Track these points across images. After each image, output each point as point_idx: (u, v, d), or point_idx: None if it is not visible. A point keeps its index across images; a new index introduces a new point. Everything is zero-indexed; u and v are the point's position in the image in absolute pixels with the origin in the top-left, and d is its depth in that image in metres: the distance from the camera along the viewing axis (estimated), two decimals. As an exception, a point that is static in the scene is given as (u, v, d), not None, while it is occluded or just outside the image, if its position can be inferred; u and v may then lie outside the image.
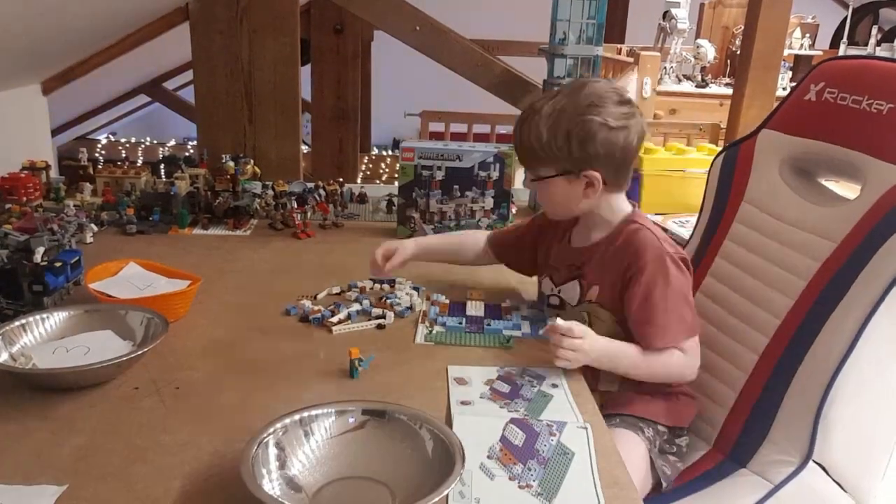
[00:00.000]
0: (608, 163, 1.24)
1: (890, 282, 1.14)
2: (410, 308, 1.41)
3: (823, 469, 1.23)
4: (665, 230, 1.36)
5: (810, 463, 1.21)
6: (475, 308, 1.43)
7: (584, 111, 1.21)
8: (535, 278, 1.50)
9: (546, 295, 1.42)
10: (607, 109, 1.21)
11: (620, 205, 1.31)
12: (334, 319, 1.33)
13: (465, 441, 0.90)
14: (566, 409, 1.09)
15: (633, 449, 1.22)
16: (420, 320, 1.36)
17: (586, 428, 1.04)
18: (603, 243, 1.30)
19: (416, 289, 1.50)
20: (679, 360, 1.24)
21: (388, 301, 1.42)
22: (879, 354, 1.19)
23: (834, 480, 1.23)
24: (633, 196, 2.17)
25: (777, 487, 1.21)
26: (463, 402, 1.09)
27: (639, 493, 0.97)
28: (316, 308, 1.36)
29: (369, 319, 1.36)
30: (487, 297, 1.48)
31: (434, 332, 1.31)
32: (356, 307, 1.39)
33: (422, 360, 1.23)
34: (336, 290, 1.49)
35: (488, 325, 1.35)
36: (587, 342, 1.18)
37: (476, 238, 1.56)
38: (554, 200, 1.31)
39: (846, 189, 1.34)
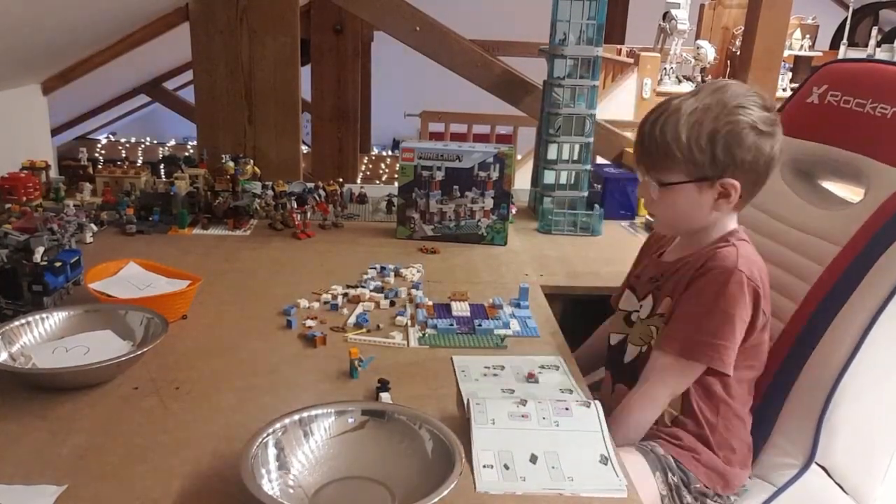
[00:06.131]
0: (751, 172, 1.12)
1: (894, 286, 1.14)
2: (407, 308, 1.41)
3: (826, 471, 1.23)
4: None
5: (813, 465, 1.21)
6: (461, 308, 1.42)
7: (732, 111, 1.09)
8: (519, 274, 1.40)
9: (626, 312, 1.29)
10: (756, 112, 1.11)
11: (729, 223, 1.19)
12: (349, 323, 1.33)
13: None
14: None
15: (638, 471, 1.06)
16: (410, 324, 1.35)
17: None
18: (690, 259, 1.18)
19: (415, 287, 1.50)
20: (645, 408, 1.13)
21: (386, 301, 1.42)
22: (883, 357, 1.18)
23: (836, 482, 1.23)
24: (633, 197, 2.17)
25: (780, 490, 1.21)
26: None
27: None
28: (315, 307, 1.36)
29: (373, 321, 1.35)
30: (472, 297, 1.47)
31: (426, 335, 1.31)
32: (356, 307, 1.39)
33: (420, 361, 1.22)
34: (336, 289, 1.48)
35: (479, 325, 1.34)
36: None
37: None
38: (676, 212, 1.17)
39: (846, 190, 1.34)
